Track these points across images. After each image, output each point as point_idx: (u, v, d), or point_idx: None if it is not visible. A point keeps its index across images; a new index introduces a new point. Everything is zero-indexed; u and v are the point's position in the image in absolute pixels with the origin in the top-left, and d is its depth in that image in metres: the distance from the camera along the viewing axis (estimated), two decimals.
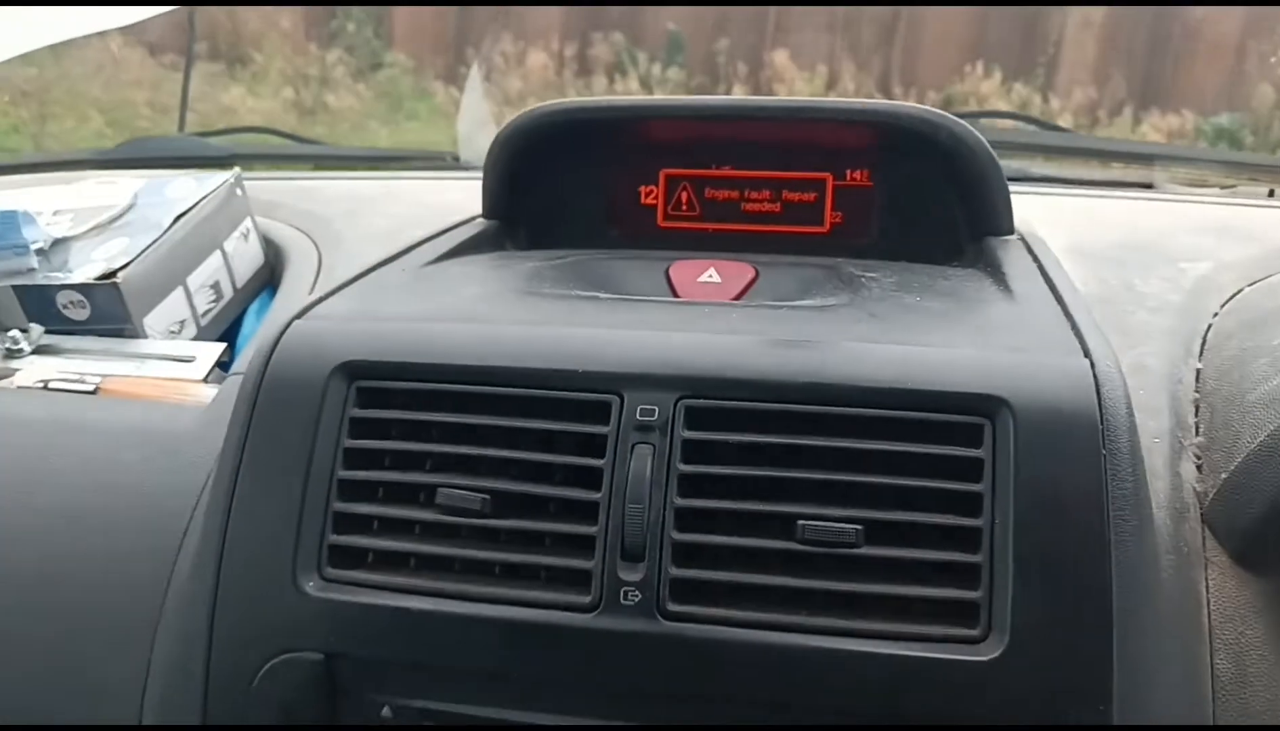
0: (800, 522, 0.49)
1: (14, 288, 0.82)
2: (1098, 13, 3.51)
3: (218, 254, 0.89)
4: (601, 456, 0.51)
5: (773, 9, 3.58)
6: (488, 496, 0.52)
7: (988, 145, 0.69)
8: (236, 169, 0.93)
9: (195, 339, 0.86)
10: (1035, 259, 0.66)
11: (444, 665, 0.51)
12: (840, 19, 3.56)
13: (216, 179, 0.91)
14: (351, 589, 0.52)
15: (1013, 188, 0.72)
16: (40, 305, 0.82)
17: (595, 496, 0.50)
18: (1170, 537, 0.55)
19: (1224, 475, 0.55)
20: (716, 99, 0.73)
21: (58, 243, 0.85)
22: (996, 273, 0.64)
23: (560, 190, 0.81)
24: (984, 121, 1.40)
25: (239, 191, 0.92)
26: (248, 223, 0.92)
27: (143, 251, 0.82)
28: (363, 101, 3.97)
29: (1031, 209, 0.74)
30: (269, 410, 0.55)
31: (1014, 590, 0.47)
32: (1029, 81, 3.48)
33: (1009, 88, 3.39)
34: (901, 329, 0.55)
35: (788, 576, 0.49)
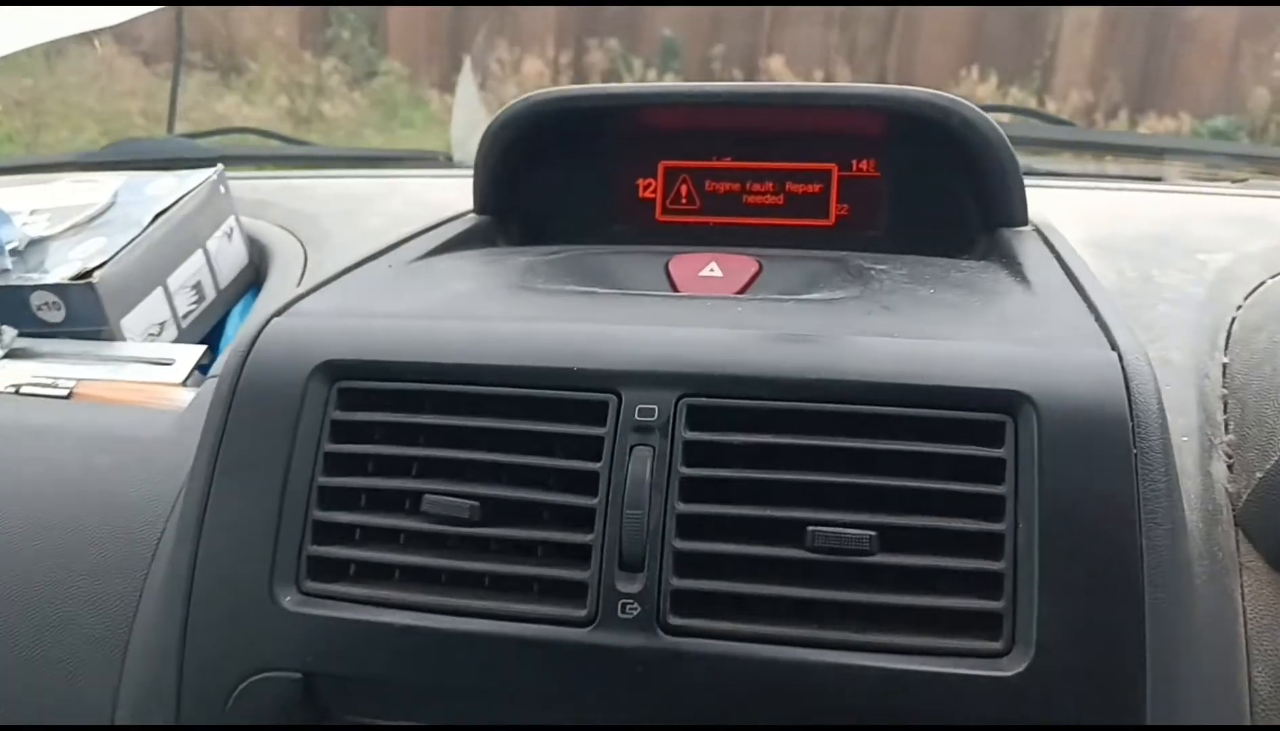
0: (810, 529, 0.46)
1: None
2: (1093, 15, 3.51)
3: (200, 253, 0.86)
4: (598, 459, 0.48)
5: (768, 14, 3.57)
6: (477, 503, 0.49)
7: (1001, 131, 0.66)
8: (219, 166, 0.90)
9: (176, 341, 0.83)
10: (1053, 249, 0.63)
11: (430, 684, 0.48)
12: (836, 23, 3.55)
13: (199, 176, 0.88)
14: (332, 603, 0.49)
15: None
16: (13, 307, 0.78)
17: (591, 502, 0.47)
18: (1203, 542, 0.51)
19: (1258, 475, 0.51)
20: (716, 86, 0.70)
21: (34, 243, 0.82)
22: (1012, 264, 0.61)
23: (554, 184, 0.78)
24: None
25: (222, 189, 0.89)
26: (231, 221, 0.89)
27: (120, 250, 0.79)
28: (358, 109, 3.97)
29: (1040, 204, 0.71)
30: (245, 413, 0.52)
31: (1039, 600, 0.44)
32: (1025, 85, 3.48)
33: (1005, 91, 3.39)
34: (915, 322, 0.52)
35: (797, 586, 0.46)
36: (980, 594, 0.45)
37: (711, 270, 0.63)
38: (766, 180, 0.75)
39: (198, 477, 0.52)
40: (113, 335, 0.78)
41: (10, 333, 0.78)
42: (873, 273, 0.60)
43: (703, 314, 0.53)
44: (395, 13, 3.89)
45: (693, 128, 0.76)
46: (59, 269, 0.78)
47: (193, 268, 0.85)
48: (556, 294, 0.58)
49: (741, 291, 0.60)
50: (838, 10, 3.47)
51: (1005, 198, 0.68)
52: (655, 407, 0.48)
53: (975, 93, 3.25)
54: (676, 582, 0.46)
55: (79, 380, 0.73)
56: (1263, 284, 0.67)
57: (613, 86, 0.71)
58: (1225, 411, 0.57)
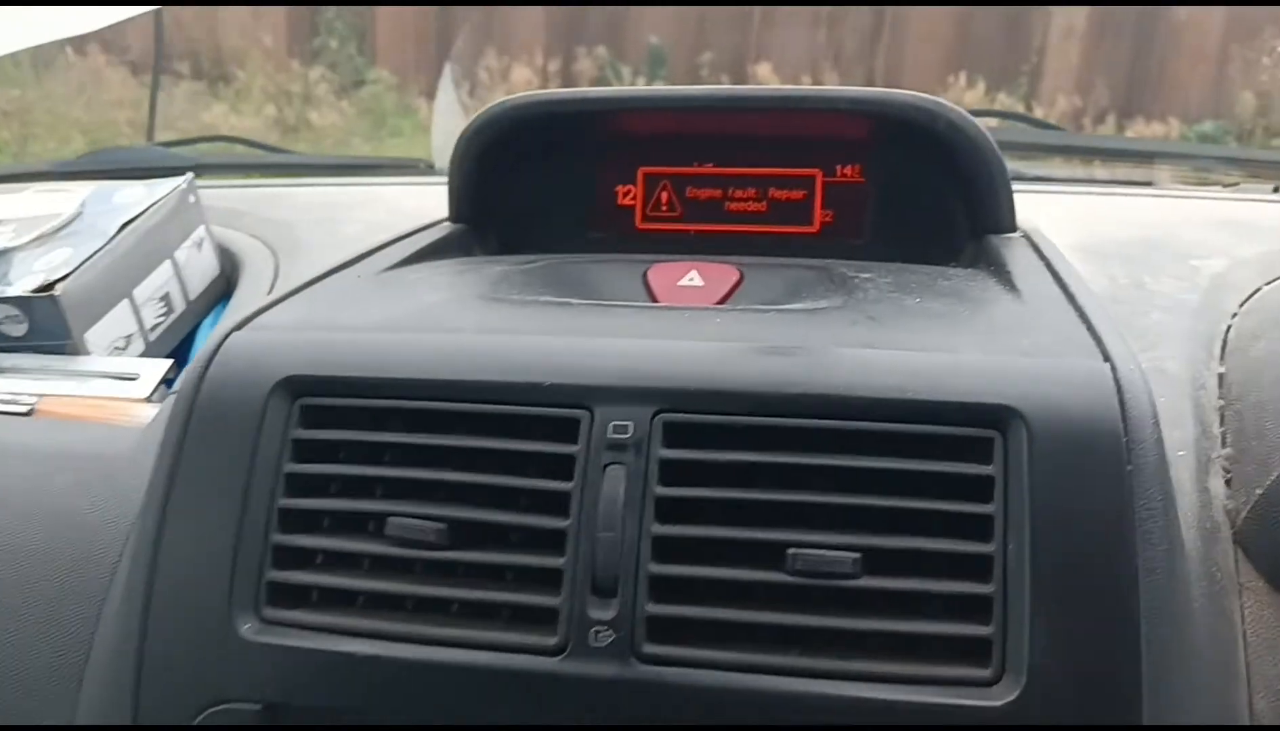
0: (791, 552, 0.43)
1: None
2: (1080, 21, 3.51)
3: (168, 264, 0.83)
4: (569, 479, 0.46)
5: (755, 20, 3.56)
6: (443, 526, 0.46)
7: (989, 135, 0.64)
8: (189, 174, 0.87)
9: (143, 355, 0.80)
10: (1042, 256, 0.61)
11: (395, 716, 0.46)
12: (823, 31, 3.55)
13: (167, 185, 0.85)
14: (293, 631, 0.47)
15: None
16: None
17: (562, 524, 0.45)
18: (1201, 562, 0.49)
19: (1258, 491, 0.49)
20: (697, 89, 0.68)
21: None
22: (1001, 271, 0.60)
23: (532, 191, 0.76)
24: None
25: (191, 198, 0.86)
26: (201, 231, 0.87)
27: (84, 262, 0.76)
28: (346, 118, 3.95)
29: (1028, 209, 0.69)
30: (202, 432, 0.50)
31: (1030, 625, 0.42)
32: (1012, 91, 3.47)
33: (993, 97, 3.38)
34: (901, 332, 0.50)
35: (777, 612, 0.44)
36: (968, 618, 0.43)
37: (691, 279, 0.61)
38: (749, 186, 0.73)
39: (153, 500, 0.50)
40: (76, 349, 0.76)
41: None
42: (857, 281, 0.58)
43: (680, 325, 0.51)
44: (383, 21, 3.87)
45: (673, 132, 0.74)
46: (22, 281, 0.76)
47: (161, 279, 0.82)
48: (529, 305, 0.56)
49: (722, 301, 0.59)
50: (825, 15, 3.46)
51: (993, 203, 0.66)
52: (630, 424, 0.46)
53: (963, 98, 3.25)
54: (651, 608, 0.44)
55: (41, 396, 0.70)
56: (1258, 290, 0.65)
57: (590, 90, 0.69)
58: (1222, 424, 0.55)
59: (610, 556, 0.44)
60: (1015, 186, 0.67)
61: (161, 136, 1.59)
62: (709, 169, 0.73)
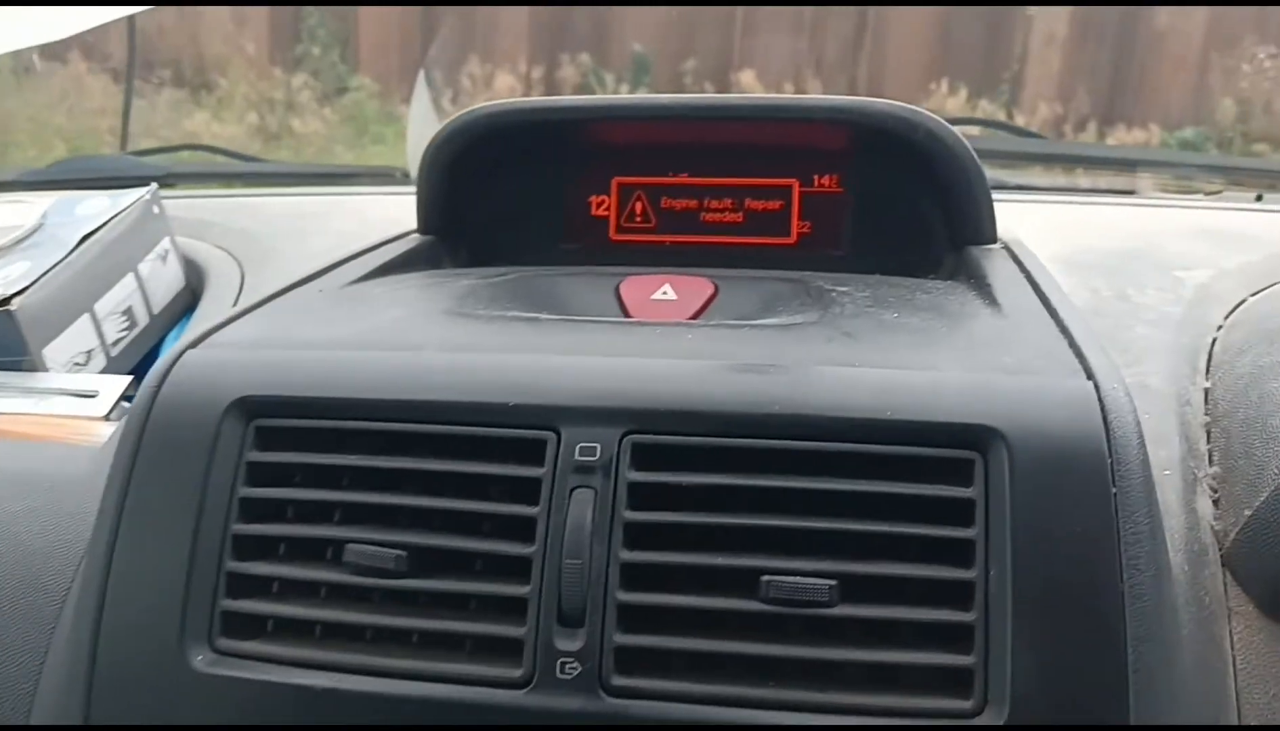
0: (765, 579, 0.42)
1: None
2: (1061, 29, 3.52)
3: (131, 277, 0.81)
4: (535, 503, 0.44)
5: (738, 27, 3.56)
6: (404, 553, 0.44)
7: (968, 145, 0.63)
8: (153, 185, 0.85)
9: (105, 371, 0.78)
10: (1023, 269, 0.59)
11: None
12: (806, 38, 3.55)
13: (131, 196, 0.83)
14: (247, 663, 0.45)
15: None
16: None
17: (527, 551, 0.43)
18: (1189, 586, 0.48)
19: (1247, 511, 0.48)
20: (672, 98, 0.66)
21: None
22: (981, 284, 0.58)
23: (503, 201, 0.74)
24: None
25: (156, 209, 0.84)
26: (166, 243, 0.85)
27: (42, 275, 0.74)
28: (328, 126, 3.93)
29: (1009, 219, 0.68)
30: (153, 454, 0.48)
31: (1013, 654, 0.40)
32: (994, 98, 3.48)
33: (974, 104, 3.38)
34: (878, 349, 0.48)
35: (751, 642, 0.42)
36: (949, 648, 0.41)
37: (665, 293, 0.59)
38: (725, 197, 0.72)
39: (103, 525, 0.48)
40: (34, 365, 0.73)
41: None
42: (834, 295, 0.56)
43: (651, 342, 0.50)
44: (366, 28, 3.85)
45: (648, 142, 0.73)
46: None
47: (123, 292, 0.80)
48: (496, 320, 0.54)
49: (696, 316, 0.57)
50: (808, 22, 3.46)
51: (973, 214, 0.65)
52: (597, 446, 0.44)
53: (945, 106, 3.25)
54: (620, 638, 0.42)
55: None
56: (1243, 302, 0.64)
57: (562, 99, 0.68)
58: (1209, 441, 0.54)
59: (577, 584, 0.42)
60: (996, 195, 0.65)
61: (143, 145, 1.57)
62: (684, 179, 0.72)
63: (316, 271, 0.63)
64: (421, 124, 1.22)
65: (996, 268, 0.60)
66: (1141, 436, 0.42)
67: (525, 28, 3.66)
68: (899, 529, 0.42)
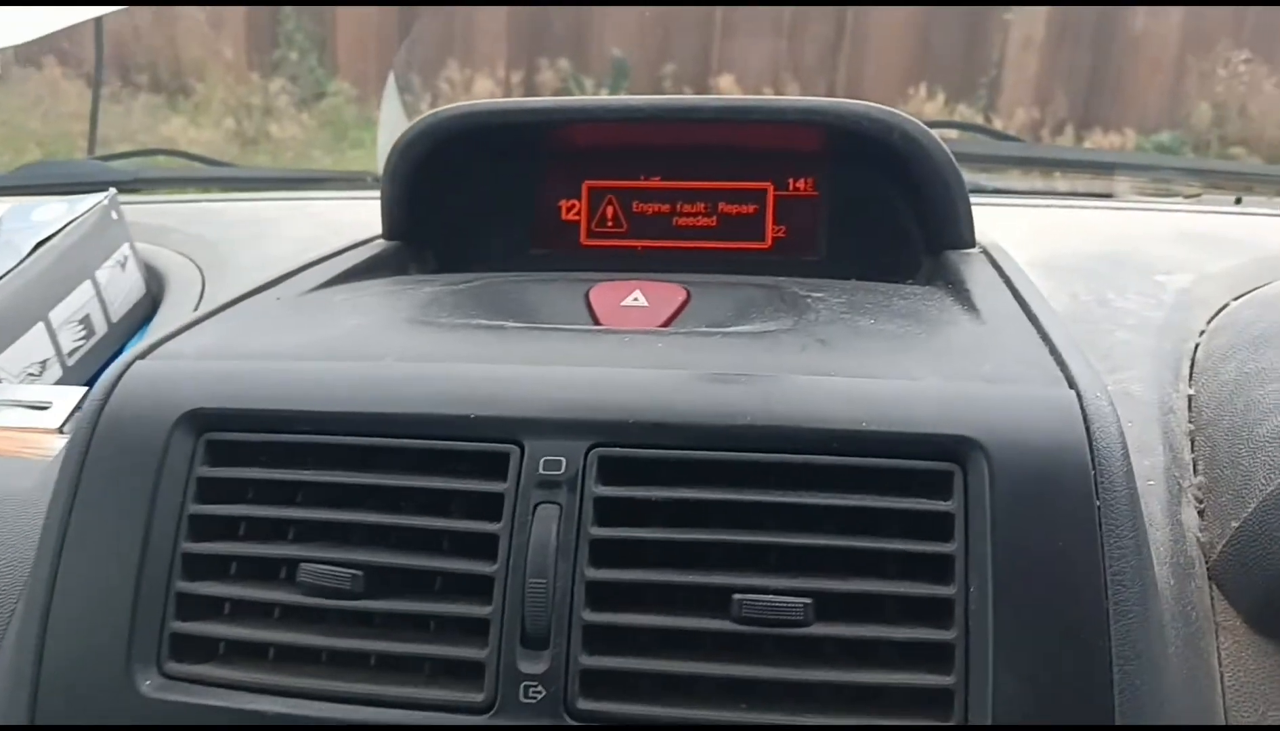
0: (737, 597, 0.40)
1: None
2: (1038, 33, 3.53)
3: (88, 284, 0.79)
4: (497, 520, 0.42)
5: (717, 31, 3.55)
6: (361, 572, 0.43)
7: (945, 147, 0.62)
8: (111, 190, 0.83)
9: (60, 382, 0.76)
10: (1002, 273, 0.58)
11: None
12: (785, 42, 3.55)
13: (89, 201, 0.81)
14: (197, 688, 0.43)
15: None
16: None
17: (489, 569, 0.42)
18: (1175, 601, 0.46)
19: (1234, 523, 0.47)
20: (642, 99, 0.64)
21: None
22: (959, 289, 0.57)
23: (470, 206, 0.72)
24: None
25: (115, 214, 0.82)
26: (125, 249, 0.83)
27: None
28: (306, 131, 3.91)
29: (987, 223, 0.66)
30: (99, 470, 0.46)
31: (994, 674, 0.38)
32: (972, 103, 3.49)
33: (952, 108, 3.39)
34: (853, 357, 0.47)
35: (723, 663, 0.40)
36: (928, 668, 0.40)
37: (636, 299, 0.57)
38: (698, 200, 0.70)
39: (46, 544, 0.46)
40: None
41: None
42: (809, 301, 0.55)
43: (619, 351, 0.48)
44: (344, 33, 3.83)
45: (619, 145, 0.71)
46: None
47: (80, 300, 0.78)
48: (459, 329, 0.52)
49: (667, 323, 0.55)
50: (786, 26, 3.46)
51: (951, 218, 0.63)
52: (562, 459, 0.42)
53: (923, 110, 3.25)
54: (586, 660, 0.40)
55: None
56: (1225, 307, 0.62)
57: (530, 100, 0.66)
58: (1193, 450, 0.53)
59: (541, 604, 0.41)
60: (974, 199, 0.64)
61: (119, 151, 1.54)
62: (656, 183, 0.70)
63: (275, 278, 0.61)
64: (392, 127, 1.20)
65: (975, 272, 0.59)
66: (1125, 447, 0.41)
67: (504, 33, 3.65)
68: (875, 544, 0.41)
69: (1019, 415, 0.41)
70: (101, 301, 0.80)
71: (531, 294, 0.60)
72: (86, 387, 0.72)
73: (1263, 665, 0.46)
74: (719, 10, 3.40)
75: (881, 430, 0.41)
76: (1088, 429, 0.41)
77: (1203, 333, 0.60)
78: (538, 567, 0.41)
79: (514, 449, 0.43)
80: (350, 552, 0.43)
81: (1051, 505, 0.40)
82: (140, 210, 0.98)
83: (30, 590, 0.46)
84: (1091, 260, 0.70)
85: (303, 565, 0.43)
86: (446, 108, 0.66)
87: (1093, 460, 0.40)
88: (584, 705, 0.40)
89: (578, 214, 0.72)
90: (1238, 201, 0.96)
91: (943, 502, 0.41)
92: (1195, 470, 0.52)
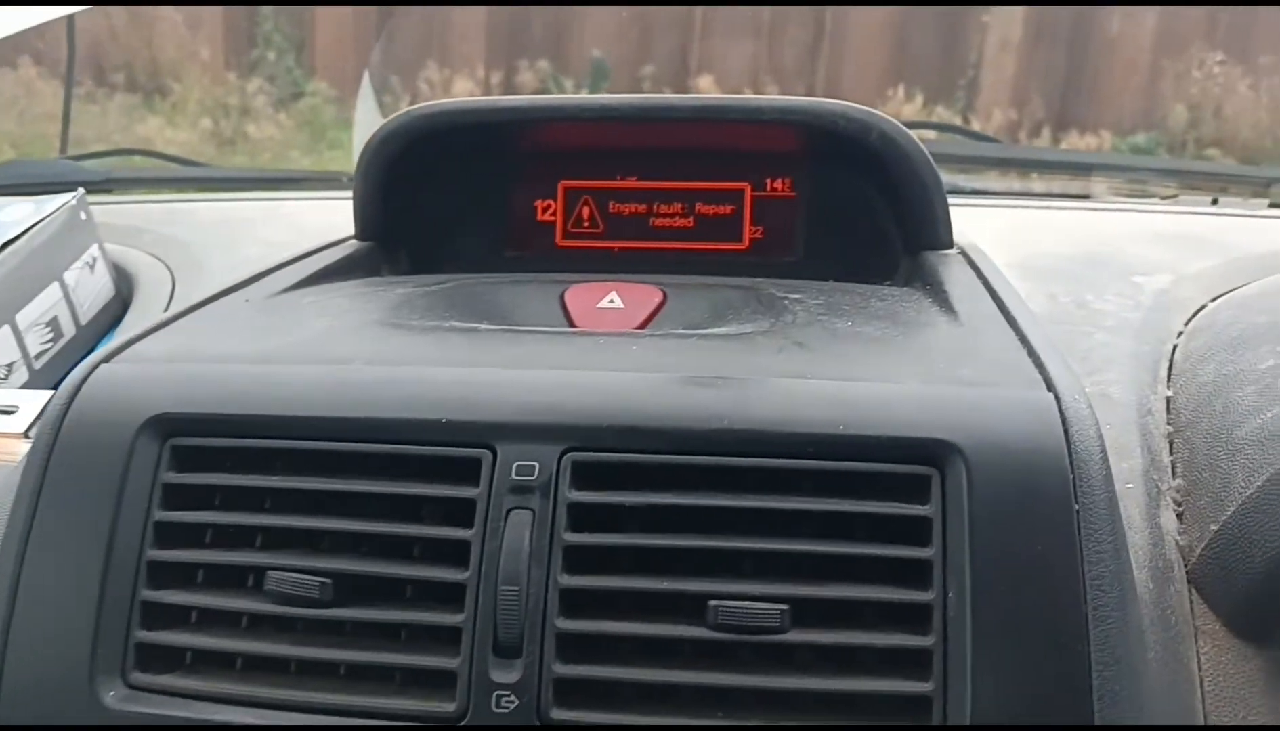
0: (713, 604, 0.40)
1: None
2: (1015, 36, 3.56)
3: (56, 286, 0.77)
4: (469, 526, 0.41)
5: (697, 34, 3.56)
6: (329, 580, 0.42)
7: (923, 147, 0.61)
8: (80, 190, 0.82)
9: (27, 385, 0.75)
10: (980, 275, 0.58)
11: None
12: (764, 44, 3.55)
13: (56, 202, 0.79)
14: (163, 699, 0.42)
15: None
16: None
17: (461, 576, 0.41)
18: (1154, 606, 0.46)
19: (1213, 526, 0.46)
20: (617, 98, 0.64)
21: None
22: (937, 291, 0.56)
23: (444, 206, 0.71)
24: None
25: (83, 215, 0.81)
26: (94, 250, 0.81)
27: None
28: (284, 131, 3.89)
29: (965, 223, 0.66)
30: (62, 475, 0.45)
31: (973, 680, 0.38)
32: (950, 104, 3.50)
33: (930, 110, 3.40)
34: (831, 360, 0.46)
35: (698, 671, 0.40)
36: (906, 674, 0.39)
37: (611, 301, 0.57)
38: (675, 201, 0.69)
39: (7, 551, 0.45)
40: None
41: None
42: (786, 302, 0.54)
43: (593, 354, 0.47)
44: (322, 33, 3.81)
45: (595, 145, 0.70)
46: None
47: (47, 302, 0.76)
48: (430, 331, 0.51)
49: (643, 325, 0.55)
50: (765, 27, 3.47)
51: (929, 218, 0.63)
52: (535, 464, 0.42)
53: (901, 112, 3.26)
54: (559, 669, 0.40)
55: None
56: (1203, 308, 0.62)
57: (504, 99, 0.65)
58: (1171, 452, 0.52)
59: (514, 612, 0.40)
60: (952, 200, 0.64)
61: (93, 151, 1.52)
62: (633, 183, 0.70)
63: (243, 280, 0.60)
64: (367, 127, 1.19)
65: (953, 274, 0.58)
66: (1104, 450, 0.40)
67: (483, 33, 3.64)
68: (853, 549, 0.40)
69: (997, 418, 0.41)
70: (70, 303, 0.78)
71: (505, 295, 0.59)
72: (53, 391, 0.70)
73: (1242, 669, 0.45)
74: (698, 11, 3.40)
75: (859, 434, 0.41)
76: (1066, 432, 0.40)
77: (1180, 334, 0.60)
78: (510, 574, 0.40)
79: (486, 453, 0.42)
80: (319, 560, 0.43)
81: (1030, 509, 0.39)
82: (111, 211, 0.97)
83: None
84: (1069, 261, 0.70)
85: (271, 573, 0.42)
86: (420, 106, 0.65)
87: (1071, 464, 0.40)
88: (558, 714, 0.39)
89: (553, 214, 0.71)
90: (1214, 202, 0.96)
91: (921, 507, 0.40)
92: (1174, 473, 0.51)
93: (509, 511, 0.41)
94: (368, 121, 1.22)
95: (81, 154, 1.43)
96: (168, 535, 0.44)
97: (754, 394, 0.42)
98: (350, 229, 0.71)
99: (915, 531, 0.40)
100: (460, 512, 0.42)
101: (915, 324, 0.51)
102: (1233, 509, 0.46)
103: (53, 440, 0.46)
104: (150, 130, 3.41)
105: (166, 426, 0.45)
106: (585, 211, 0.70)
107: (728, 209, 0.69)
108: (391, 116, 0.66)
